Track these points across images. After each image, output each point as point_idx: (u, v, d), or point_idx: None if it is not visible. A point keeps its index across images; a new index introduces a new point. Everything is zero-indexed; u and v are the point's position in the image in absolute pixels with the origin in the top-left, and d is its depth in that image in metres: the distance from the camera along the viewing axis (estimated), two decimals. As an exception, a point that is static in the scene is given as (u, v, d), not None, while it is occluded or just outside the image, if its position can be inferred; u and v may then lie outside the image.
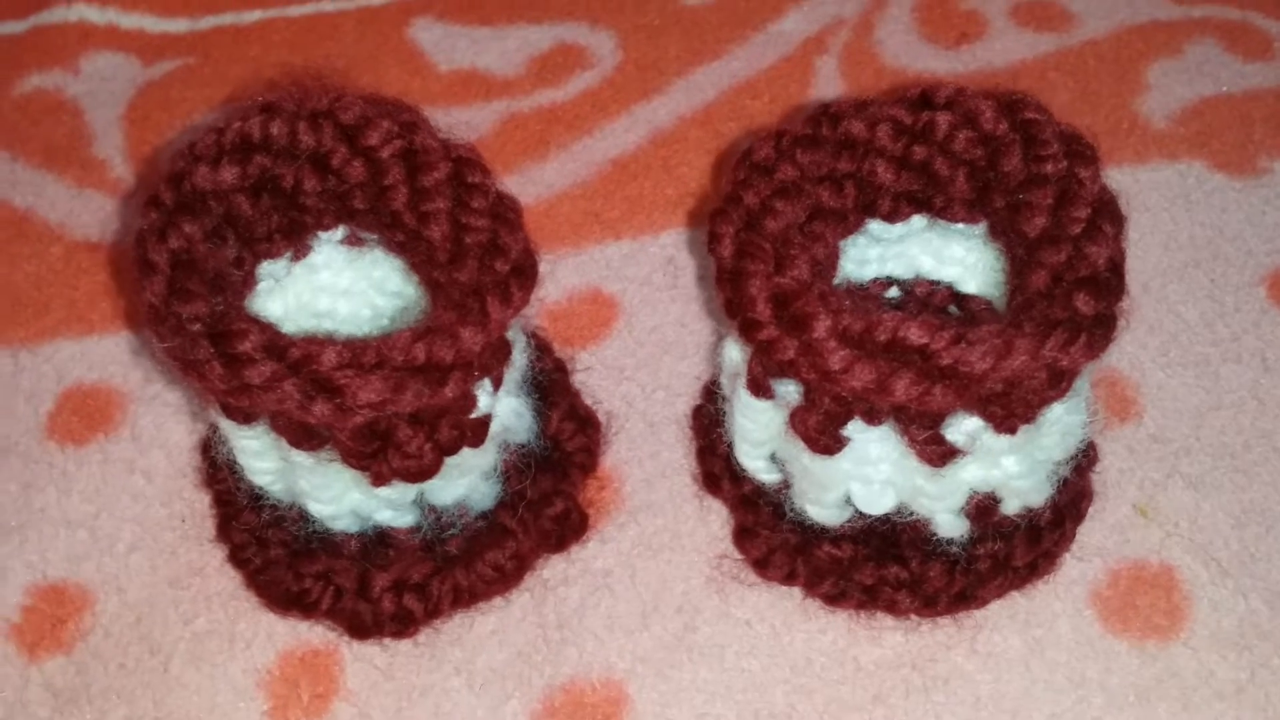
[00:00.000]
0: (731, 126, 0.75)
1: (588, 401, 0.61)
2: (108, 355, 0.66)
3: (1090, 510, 0.57)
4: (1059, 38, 0.79)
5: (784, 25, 0.80)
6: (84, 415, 0.64)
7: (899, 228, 0.53)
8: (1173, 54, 0.77)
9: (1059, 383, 0.44)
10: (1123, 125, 0.73)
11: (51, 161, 0.76)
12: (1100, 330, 0.43)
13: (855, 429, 0.48)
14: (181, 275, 0.47)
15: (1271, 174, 0.71)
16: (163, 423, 0.63)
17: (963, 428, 0.46)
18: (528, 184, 0.72)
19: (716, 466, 0.57)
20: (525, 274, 0.48)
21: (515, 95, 0.77)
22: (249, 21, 0.84)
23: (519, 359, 0.53)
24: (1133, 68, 0.77)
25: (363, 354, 0.45)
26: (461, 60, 0.80)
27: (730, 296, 0.47)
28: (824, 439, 0.47)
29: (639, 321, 0.66)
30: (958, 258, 0.55)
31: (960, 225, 0.52)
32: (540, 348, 0.60)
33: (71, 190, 0.74)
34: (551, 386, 0.59)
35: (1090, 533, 0.56)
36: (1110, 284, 0.44)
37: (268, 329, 0.45)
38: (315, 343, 0.45)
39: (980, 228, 0.52)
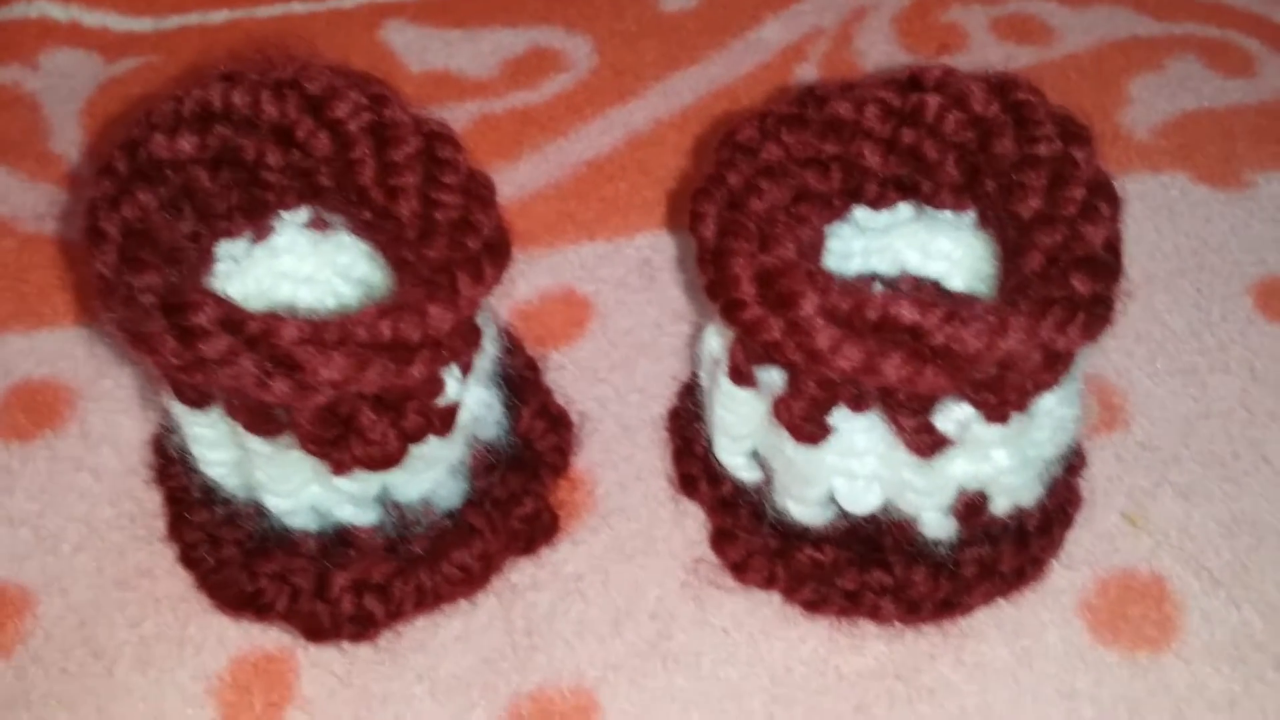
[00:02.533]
0: (708, 130, 0.73)
1: (560, 402, 0.59)
2: (58, 350, 0.64)
3: (1078, 518, 0.55)
4: (1039, 51, 0.78)
5: (763, 33, 0.80)
6: (31, 411, 0.61)
7: (884, 217, 0.51)
8: (1154, 69, 0.77)
9: (1054, 366, 0.42)
10: (1105, 136, 0.71)
11: (5, 155, 0.74)
12: (1098, 310, 0.42)
13: (841, 417, 0.46)
14: (134, 245, 0.44)
15: (1255, 187, 0.70)
16: (113, 419, 0.60)
17: (953, 415, 0.44)
18: (500, 184, 0.67)
19: (694, 468, 0.55)
20: (498, 252, 0.46)
21: (488, 96, 0.76)
22: (216, 21, 0.82)
23: (489, 348, 0.50)
24: (1114, 81, 0.76)
25: (325, 330, 0.42)
26: (434, 62, 0.78)
27: (713, 277, 0.45)
28: (809, 426, 0.45)
29: (613, 323, 0.64)
30: (944, 252, 0.54)
31: (948, 214, 0.50)
32: (511, 345, 0.58)
33: (25, 183, 0.72)
34: (523, 384, 0.57)
35: (1079, 541, 0.55)
36: (1108, 264, 0.43)
37: (224, 302, 0.43)
38: (275, 317, 0.42)
39: (968, 217, 0.50)
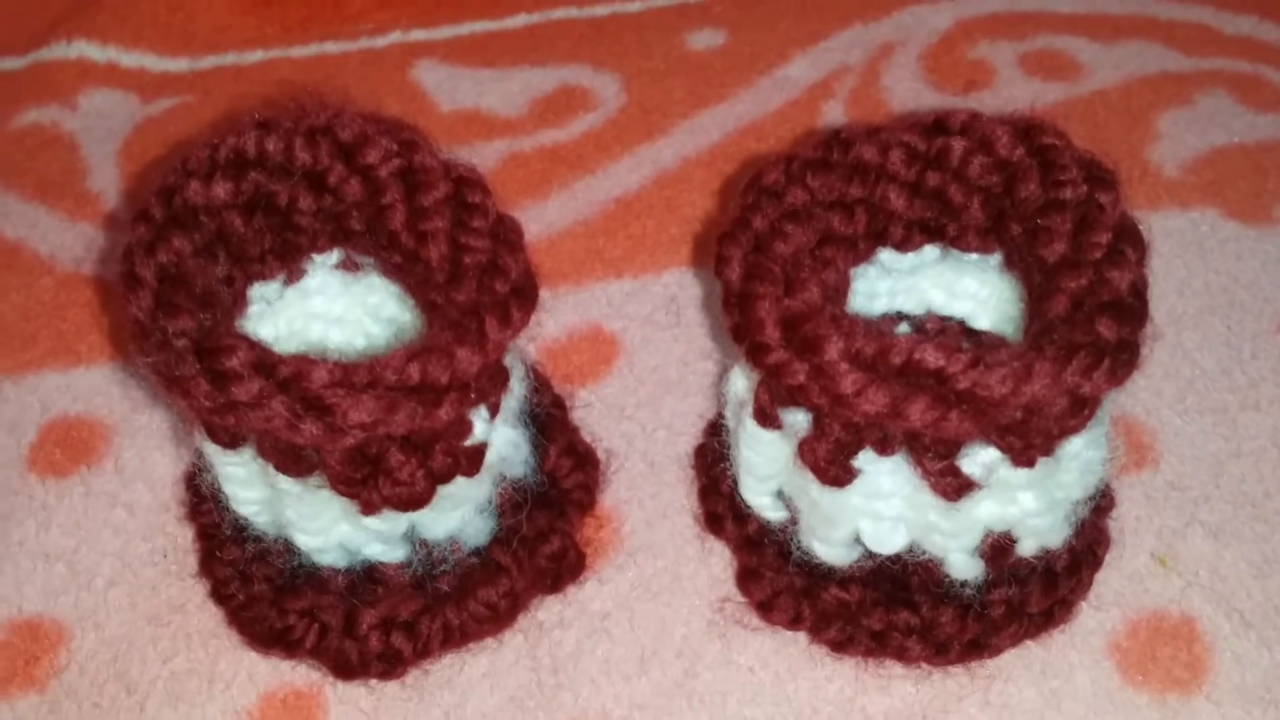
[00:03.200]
0: (736, 168, 0.74)
1: (587, 439, 0.59)
2: (93, 387, 0.65)
3: (1107, 558, 0.55)
4: (1068, 87, 0.78)
5: (790, 71, 0.80)
6: (66, 447, 0.62)
7: (910, 258, 0.51)
8: (1183, 104, 0.77)
9: (1080, 411, 0.42)
10: (1134, 173, 0.72)
11: (45, 194, 0.75)
12: (1124, 356, 0.41)
13: (866, 460, 0.46)
14: (169, 290, 0.45)
15: (1286, 223, 0.69)
16: (147, 455, 0.61)
17: (979, 459, 0.44)
18: (529, 222, 0.69)
19: (720, 506, 0.55)
20: (525, 295, 0.46)
21: (517, 135, 0.77)
22: (250, 62, 0.84)
23: (517, 388, 0.51)
24: (1143, 117, 0.76)
25: (354, 373, 0.43)
26: (464, 100, 0.79)
27: (738, 320, 0.45)
28: (834, 470, 0.46)
29: (640, 360, 0.64)
30: (970, 292, 0.54)
31: (974, 256, 0.50)
32: (539, 384, 0.58)
33: (64, 223, 0.73)
34: (550, 422, 0.57)
35: (1108, 581, 0.54)
36: (1133, 309, 0.42)
37: (256, 346, 0.43)
38: (305, 361, 0.43)
39: (994, 259, 0.50)
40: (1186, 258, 0.68)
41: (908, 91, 0.78)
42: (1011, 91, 0.78)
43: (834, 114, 0.77)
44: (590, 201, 0.72)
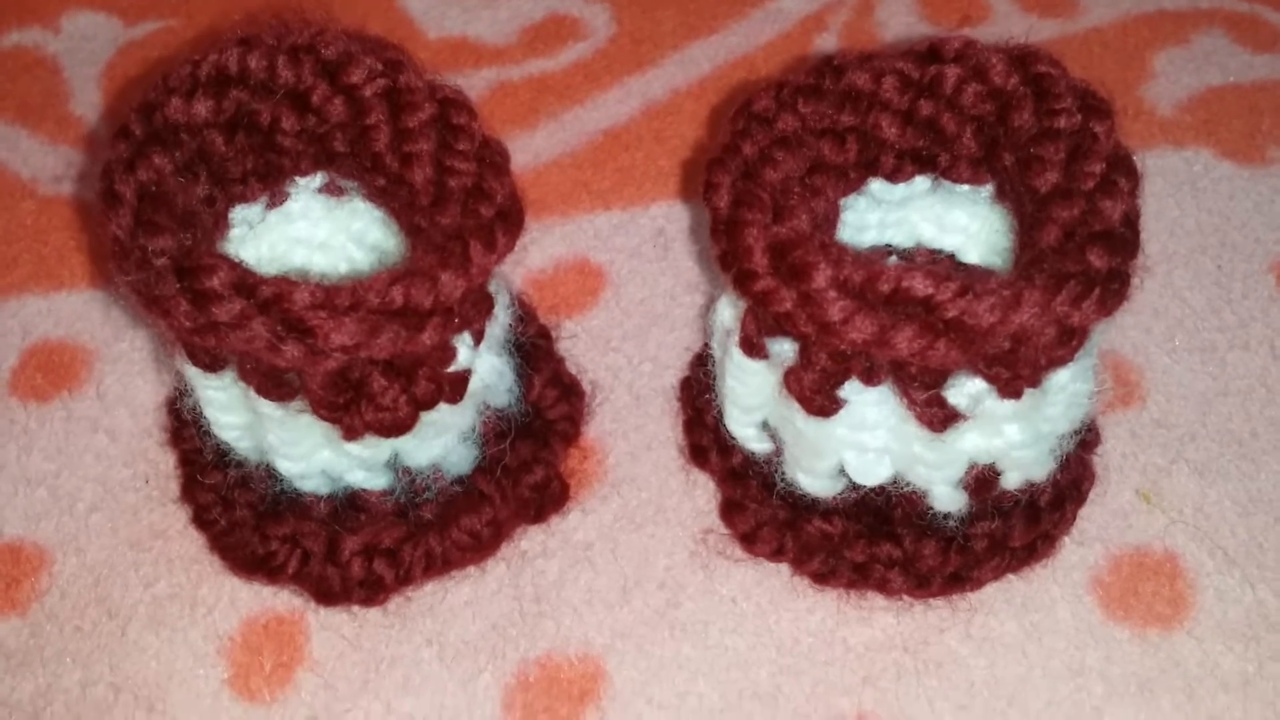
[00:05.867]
0: (726, 101, 0.73)
1: (572, 370, 0.59)
2: (75, 312, 0.64)
3: (1092, 494, 0.55)
4: (1063, 24, 0.77)
5: (783, 3, 0.79)
6: (48, 372, 0.62)
7: (901, 189, 0.51)
8: (1180, 43, 0.76)
9: (1069, 341, 0.42)
10: (1128, 111, 0.71)
11: (26, 117, 0.74)
12: (1114, 286, 0.41)
13: (852, 390, 0.45)
14: (149, 208, 0.44)
15: (1279, 164, 0.69)
16: (129, 381, 0.61)
17: (965, 390, 0.44)
18: (517, 152, 0.68)
19: (704, 438, 0.55)
20: (510, 219, 0.46)
21: (505, 64, 0.75)
22: (236, -14, 0.82)
23: (502, 316, 0.50)
24: (1139, 55, 0.75)
25: (336, 295, 0.42)
26: (452, 28, 0.78)
27: (725, 247, 0.45)
28: (820, 399, 0.45)
29: (627, 293, 0.64)
30: (960, 225, 0.53)
31: (965, 187, 0.50)
32: (524, 313, 0.57)
33: (45, 146, 0.72)
34: (535, 353, 0.57)
35: (1091, 517, 0.55)
36: (1125, 239, 0.42)
37: (237, 266, 0.43)
38: (287, 282, 0.42)
39: (985, 191, 0.50)
40: (1179, 197, 0.67)
41: (902, 25, 0.77)
42: (1006, 27, 0.77)
43: (827, 47, 0.76)
44: (579, 132, 0.72)
